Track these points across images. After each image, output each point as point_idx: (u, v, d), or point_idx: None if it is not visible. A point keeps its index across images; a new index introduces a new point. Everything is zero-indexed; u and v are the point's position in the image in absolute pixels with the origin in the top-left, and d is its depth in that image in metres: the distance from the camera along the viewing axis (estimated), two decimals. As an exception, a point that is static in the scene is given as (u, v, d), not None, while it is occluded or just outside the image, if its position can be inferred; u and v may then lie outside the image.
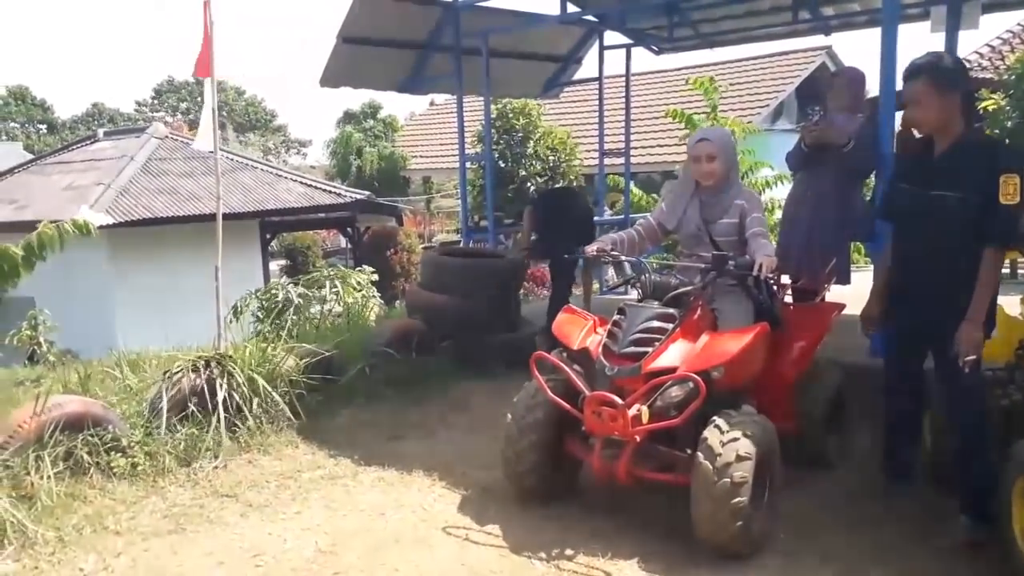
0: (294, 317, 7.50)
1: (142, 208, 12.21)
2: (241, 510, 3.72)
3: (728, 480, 3.05)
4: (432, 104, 28.08)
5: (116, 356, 5.19)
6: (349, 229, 16.67)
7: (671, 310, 3.52)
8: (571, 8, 7.84)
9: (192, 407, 4.24)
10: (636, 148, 11.68)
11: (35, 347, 8.68)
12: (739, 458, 3.08)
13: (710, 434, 3.17)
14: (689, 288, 3.62)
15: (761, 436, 3.19)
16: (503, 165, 14.54)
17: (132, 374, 4.77)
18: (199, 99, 55.76)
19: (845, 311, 4.25)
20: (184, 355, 4.55)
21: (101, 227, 11.90)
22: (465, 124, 7.68)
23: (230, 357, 4.49)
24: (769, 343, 3.60)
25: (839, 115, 5.34)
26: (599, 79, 8.51)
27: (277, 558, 3.26)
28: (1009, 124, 9.51)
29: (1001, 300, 4.06)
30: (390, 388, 5.31)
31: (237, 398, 4.38)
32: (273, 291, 7.94)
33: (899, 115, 4.56)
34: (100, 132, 16.18)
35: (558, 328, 3.79)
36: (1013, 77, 9.36)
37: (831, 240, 5.18)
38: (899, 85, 5.35)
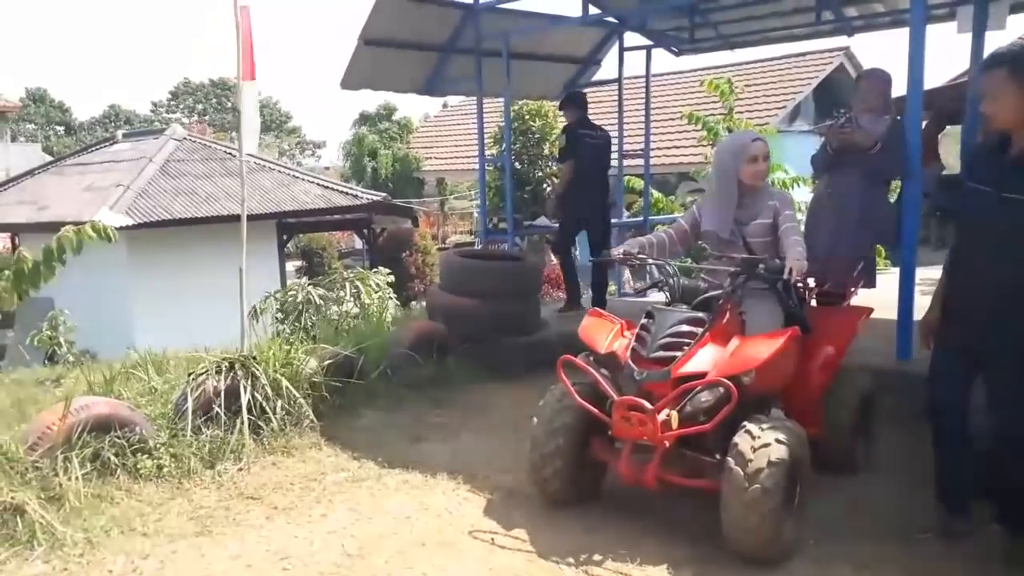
0: (313, 318, 7.54)
1: (161, 209, 12.26)
2: (266, 512, 3.72)
3: (759, 486, 3.01)
4: (445, 106, 28.15)
5: (139, 356, 5.19)
6: (365, 230, 16.68)
7: (700, 314, 3.49)
8: (592, 10, 7.82)
9: (217, 409, 4.24)
10: (652, 150, 11.62)
11: (55, 348, 8.74)
12: (771, 464, 3.05)
13: (741, 440, 3.13)
14: (719, 292, 3.59)
15: (792, 442, 3.15)
16: (519, 167, 14.54)
17: (156, 375, 4.77)
18: (215, 101, 56.27)
19: (872, 315, 4.21)
20: (209, 357, 4.55)
21: (121, 228, 11.95)
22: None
23: (254, 359, 4.49)
24: (799, 347, 3.56)
25: (865, 117, 5.29)
26: (619, 80, 8.47)
27: (304, 561, 3.25)
28: None
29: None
30: (411, 390, 5.31)
31: (261, 400, 4.38)
32: (292, 292, 7.97)
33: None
34: (119, 134, 16.26)
35: (584, 331, 3.76)
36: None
37: (855, 243, 5.14)
38: (928, 85, 5.31)
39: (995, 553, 3.21)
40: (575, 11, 7.36)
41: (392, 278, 8.62)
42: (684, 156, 15.54)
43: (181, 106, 56.41)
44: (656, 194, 12.01)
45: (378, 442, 4.60)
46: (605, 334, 3.68)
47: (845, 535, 3.42)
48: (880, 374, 4.54)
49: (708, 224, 3.96)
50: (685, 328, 3.45)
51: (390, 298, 8.67)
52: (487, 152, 16.86)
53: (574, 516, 3.60)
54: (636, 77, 9.07)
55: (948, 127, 11.58)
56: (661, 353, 3.39)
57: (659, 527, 3.48)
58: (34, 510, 3.34)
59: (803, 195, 10.86)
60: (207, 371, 4.31)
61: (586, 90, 8.84)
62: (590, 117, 6.98)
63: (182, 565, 3.23)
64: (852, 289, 4.47)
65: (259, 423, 4.36)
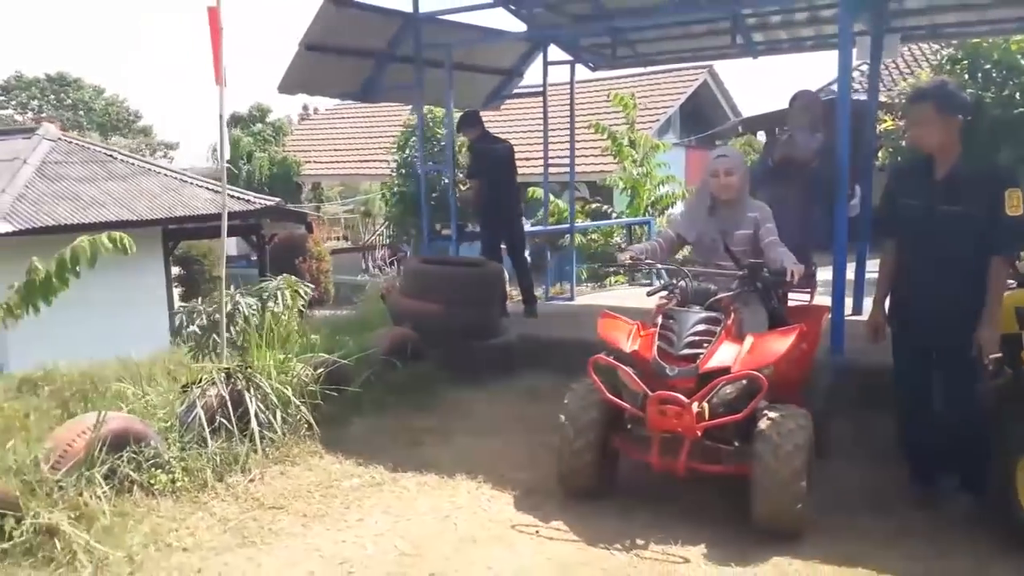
0: (244, 327, 7.37)
1: (44, 215, 11.44)
2: (299, 521, 3.72)
3: (791, 468, 3.36)
4: (306, 109, 27.56)
5: (130, 369, 4.99)
6: (254, 236, 16.17)
7: (715, 314, 3.82)
8: (519, 24, 8.12)
9: (221, 420, 4.16)
10: (552, 158, 12.08)
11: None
12: (796, 447, 3.41)
13: (767, 426, 3.48)
14: (727, 293, 3.94)
15: (807, 427, 3.54)
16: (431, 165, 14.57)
17: (141, 391, 4.58)
18: (51, 96, 52.13)
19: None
20: (207, 366, 4.44)
21: (2, 235, 11.05)
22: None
23: (253, 368, 4.43)
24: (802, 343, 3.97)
25: (800, 134, 5.87)
26: (543, 92, 8.78)
27: (365, 564, 3.31)
28: (903, 143, 10.56)
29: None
30: (392, 395, 5.36)
31: (263, 410, 4.33)
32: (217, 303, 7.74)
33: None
34: (-22, 132, 14.98)
35: (605, 332, 4.01)
36: (905, 101, 10.39)
37: (795, 250, 5.68)
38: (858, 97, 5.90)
39: (963, 515, 3.73)
40: (497, 24, 7.66)
41: (312, 287, 8.54)
42: (589, 165, 16.22)
43: (13, 102, 51.95)
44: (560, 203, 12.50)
45: (376, 447, 4.64)
46: (625, 335, 3.94)
47: (842, 510, 3.83)
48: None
49: (687, 235, 4.34)
50: (704, 327, 3.78)
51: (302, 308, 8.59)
52: (389, 158, 16.83)
53: (602, 507, 3.83)
54: (555, 85, 9.41)
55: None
56: (687, 351, 3.69)
57: (682, 512, 3.77)
58: (69, 530, 3.20)
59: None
60: (211, 381, 4.22)
61: (509, 100, 9.14)
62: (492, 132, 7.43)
63: (241, 572, 3.21)
64: (809, 291, 4.97)
65: (263, 432, 4.32)
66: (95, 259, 3.65)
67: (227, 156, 4.88)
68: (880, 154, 11.05)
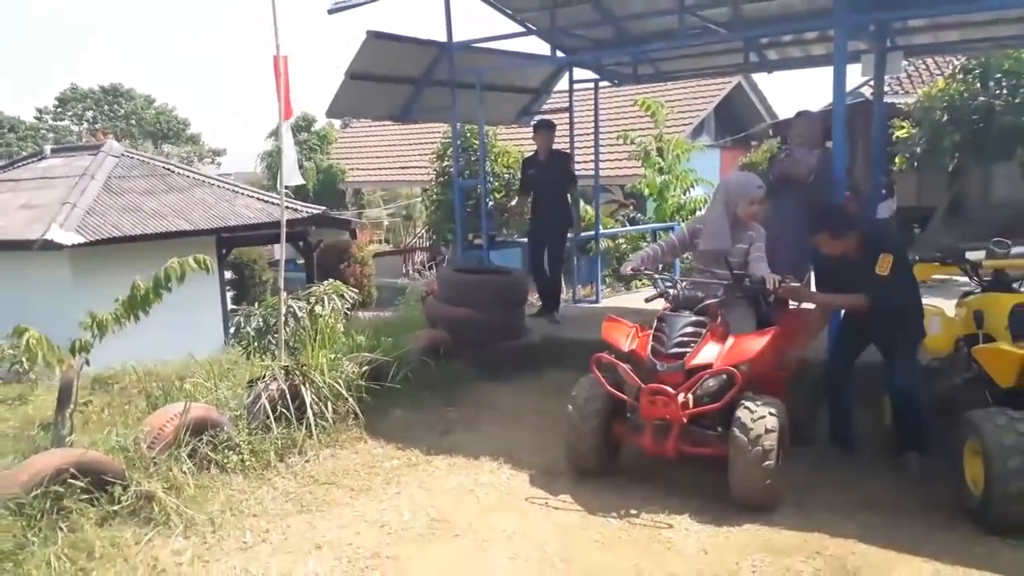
0: (296, 328, 8.14)
1: (110, 227, 12.41)
2: (348, 494, 4.42)
3: (760, 448, 3.96)
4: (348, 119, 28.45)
5: (192, 368, 5.74)
6: (301, 243, 17.07)
7: (702, 318, 4.43)
8: (545, 45, 8.78)
9: (281, 409, 4.89)
10: (584, 162, 12.67)
11: (16, 365, 8.93)
12: (767, 431, 3.99)
13: (742, 413, 4.07)
14: (713, 300, 4.55)
15: (779, 414, 4.12)
16: (462, 180, 15.36)
17: (215, 385, 5.34)
18: (106, 108, 53.96)
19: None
20: (269, 364, 5.18)
21: (74, 246, 12.10)
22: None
23: (308, 365, 5.15)
24: (778, 344, 4.55)
25: (799, 150, 6.41)
26: (569, 109, 9.39)
27: (402, 527, 3.99)
28: (918, 150, 10.99)
29: (942, 304, 5.20)
30: (426, 390, 6.04)
31: (317, 401, 5.05)
32: (275, 306, 8.52)
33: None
34: (47, 149, 16.08)
35: (607, 334, 4.64)
36: (921, 109, 10.83)
37: (790, 259, 6.21)
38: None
39: (918, 487, 4.33)
40: (524, 45, 8.29)
41: (356, 292, 9.30)
42: (622, 169, 16.82)
43: (69, 113, 54.03)
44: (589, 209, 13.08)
45: (412, 434, 5.33)
46: (624, 336, 4.57)
47: (811, 488, 4.40)
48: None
49: (707, 245, 4.92)
50: (691, 330, 4.39)
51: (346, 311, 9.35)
52: (430, 168, 17.64)
53: (604, 484, 4.46)
54: (582, 99, 10.04)
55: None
56: (676, 350, 4.31)
57: (673, 489, 4.38)
58: (163, 497, 3.94)
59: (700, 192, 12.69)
60: (273, 377, 4.95)
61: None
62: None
63: (302, 534, 3.92)
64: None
65: (316, 421, 5.03)
66: (184, 277, 4.40)
67: (298, 181, 5.54)
68: (897, 160, 11.47)
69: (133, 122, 53.45)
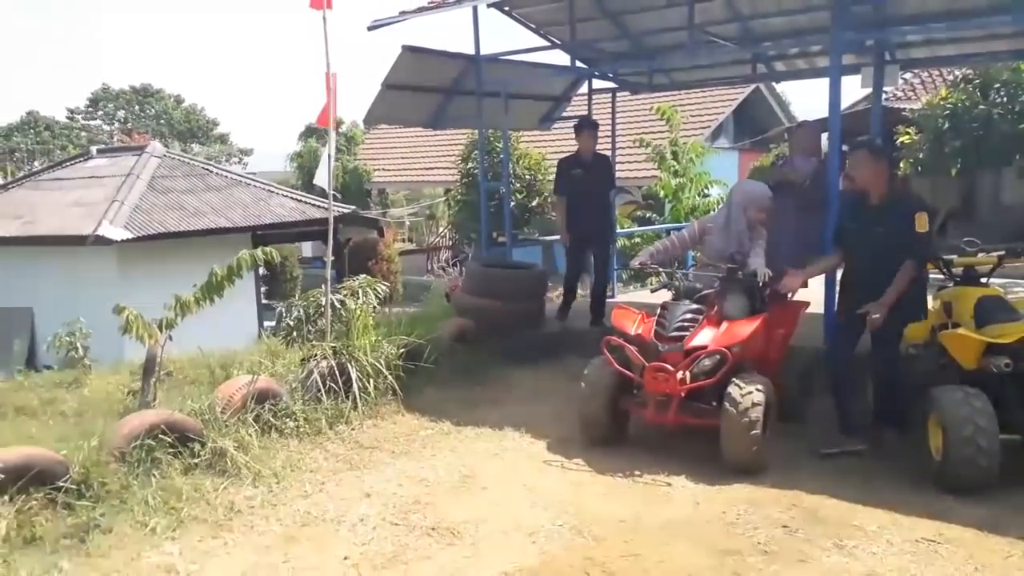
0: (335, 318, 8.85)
1: (156, 223, 13.20)
2: (390, 455, 5.10)
3: (748, 419, 4.57)
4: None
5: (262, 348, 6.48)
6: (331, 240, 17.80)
7: (700, 306, 5.06)
8: (565, 57, 9.41)
9: (331, 384, 5.57)
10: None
11: (72, 351, 9.67)
12: (754, 404, 4.61)
13: (733, 389, 4.69)
14: (710, 291, 5.18)
15: (766, 391, 4.73)
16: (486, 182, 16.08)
17: (272, 363, 6.04)
18: (137, 108, 55.06)
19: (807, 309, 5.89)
20: (319, 346, 5.86)
21: (123, 241, 12.89)
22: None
23: (353, 346, 5.83)
24: (768, 329, 5.17)
25: (798, 158, 7.00)
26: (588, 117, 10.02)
27: (437, 481, 4.66)
28: (921, 155, 11.51)
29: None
30: (455, 373, 6.70)
31: (361, 378, 5.73)
32: (314, 298, 9.24)
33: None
34: (94, 150, 16.95)
35: (616, 320, 5.28)
36: (925, 116, 11.35)
37: (791, 256, 6.79)
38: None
39: (891, 457, 4.89)
40: (548, 59, 8.92)
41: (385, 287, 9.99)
42: (641, 171, 17.42)
43: (100, 112, 55.27)
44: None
45: (444, 409, 5.99)
46: (631, 322, 5.21)
47: (797, 459, 5.01)
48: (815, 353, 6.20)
49: (718, 243, 5.55)
50: (690, 316, 5.02)
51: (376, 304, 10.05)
52: (453, 168, 18.38)
53: (613, 450, 5.10)
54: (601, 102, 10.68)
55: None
56: (676, 333, 4.94)
57: (672, 455, 5.01)
58: (234, 453, 4.63)
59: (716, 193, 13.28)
60: (323, 356, 5.64)
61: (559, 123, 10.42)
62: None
63: (352, 485, 4.60)
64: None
65: (360, 395, 5.71)
66: (255, 265, 5.08)
67: (331, 185, 6.19)
68: (902, 165, 11.98)
69: (163, 122, 54.48)
